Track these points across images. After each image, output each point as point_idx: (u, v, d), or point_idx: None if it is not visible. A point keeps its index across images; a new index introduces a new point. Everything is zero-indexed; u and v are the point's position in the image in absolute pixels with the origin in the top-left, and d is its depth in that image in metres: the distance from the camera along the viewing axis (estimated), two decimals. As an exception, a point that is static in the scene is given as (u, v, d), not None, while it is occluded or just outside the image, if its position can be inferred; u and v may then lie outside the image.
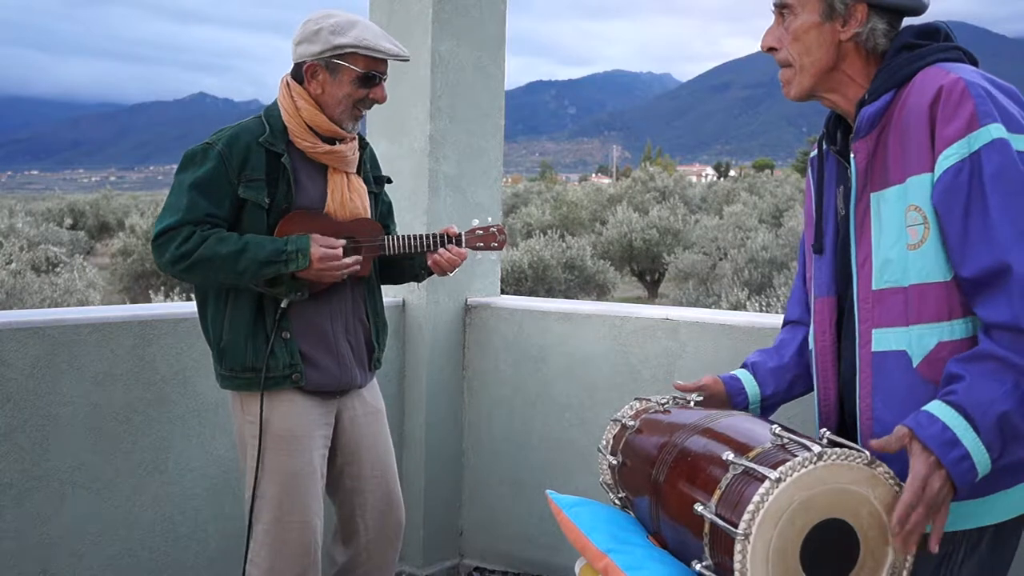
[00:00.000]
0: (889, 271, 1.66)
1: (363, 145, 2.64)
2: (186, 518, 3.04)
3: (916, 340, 1.63)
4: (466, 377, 3.73)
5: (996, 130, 1.55)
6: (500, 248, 2.66)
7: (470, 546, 3.76)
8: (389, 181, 2.78)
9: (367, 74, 2.44)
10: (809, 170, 1.95)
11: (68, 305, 11.01)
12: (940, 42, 1.73)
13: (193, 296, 2.58)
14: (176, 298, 11.44)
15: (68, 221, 24.97)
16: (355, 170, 2.57)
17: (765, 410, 2.05)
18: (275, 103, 2.52)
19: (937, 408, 1.53)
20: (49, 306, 11.01)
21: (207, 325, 2.50)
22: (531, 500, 3.53)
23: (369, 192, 2.62)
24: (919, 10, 1.75)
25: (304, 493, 2.46)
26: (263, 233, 2.41)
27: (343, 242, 2.45)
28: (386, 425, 2.71)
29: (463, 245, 2.60)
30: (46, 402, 2.73)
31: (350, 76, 2.43)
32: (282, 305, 2.43)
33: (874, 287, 1.68)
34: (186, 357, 3.00)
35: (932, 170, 1.59)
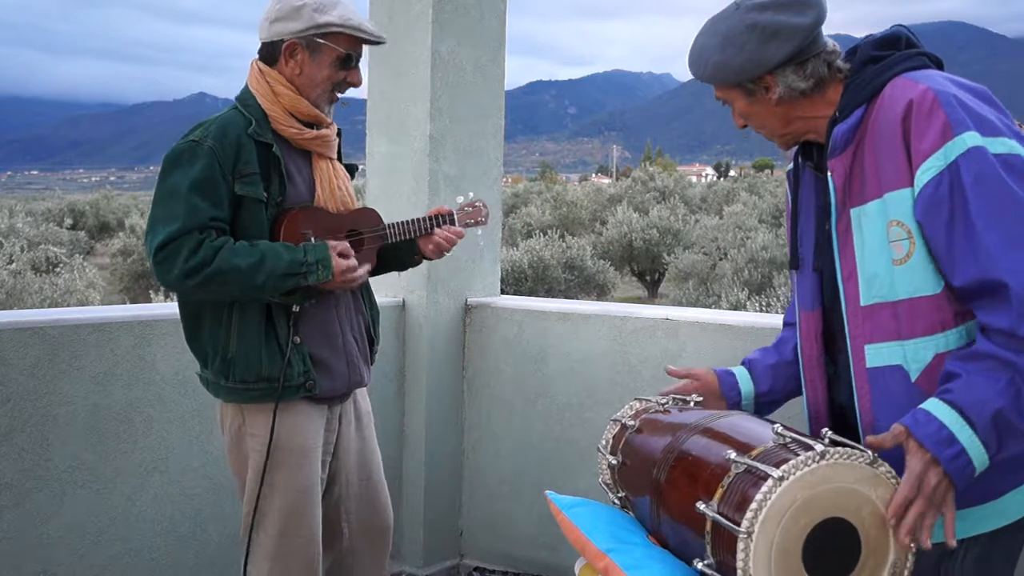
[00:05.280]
0: (877, 286, 1.66)
1: (338, 131, 2.52)
2: (186, 518, 3.04)
3: (912, 354, 1.63)
4: (466, 377, 3.73)
5: (971, 138, 1.55)
6: (485, 223, 2.69)
7: (470, 546, 3.76)
8: (356, 168, 2.67)
9: (348, 55, 2.32)
10: (787, 184, 1.96)
11: (68, 305, 11.01)
12: (903, 50, 1.72)
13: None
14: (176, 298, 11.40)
15: (68, 221, 24.99)
16: (335, 156, 2.48)
17: (761, 407, 2.04)
18: (246, 90, 2.34)
19: (934, 406, 1.54)
20: (49, 306, 11.01)
21: (203, 337, 2.32)
22: (531, 500, 3.53)
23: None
24: (804, 39, 1.69)
25: (309, 508, 2.37)
26: (262, 230, 2.26)
27: (355, 263, 2.34)
28: (373, 429, 2.64)
29: (456, 224, 2.59)
30: (46, 402, 2.73)
31: (331, 57, 2.30)
32: (294, 310, 2.30)
33: (863, 303, 1.69)
34: (186, 357, 2.98)
35: (911, 184, 1.60)
